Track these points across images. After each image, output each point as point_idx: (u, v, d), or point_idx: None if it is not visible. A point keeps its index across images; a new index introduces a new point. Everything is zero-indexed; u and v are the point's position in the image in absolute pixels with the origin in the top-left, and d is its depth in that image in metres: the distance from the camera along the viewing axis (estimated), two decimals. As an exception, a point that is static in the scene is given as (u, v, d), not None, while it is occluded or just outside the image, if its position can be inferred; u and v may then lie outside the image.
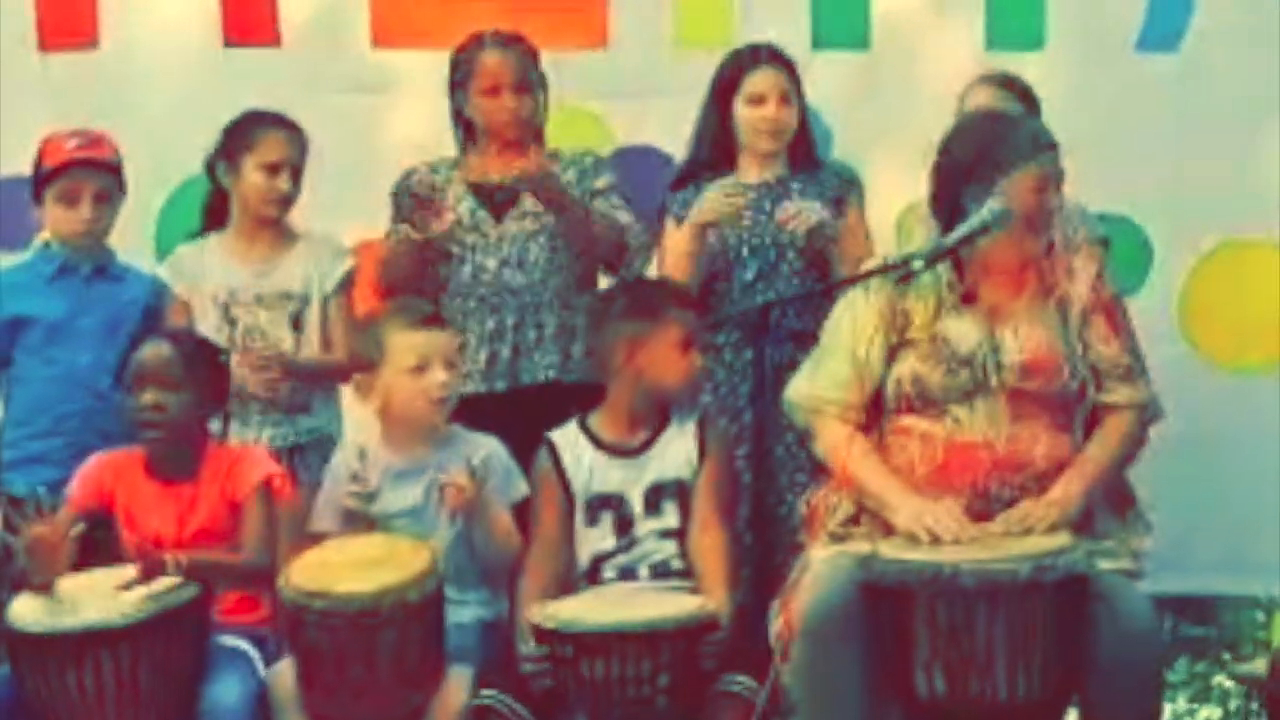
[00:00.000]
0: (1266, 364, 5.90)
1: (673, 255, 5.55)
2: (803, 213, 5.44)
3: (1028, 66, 5.78)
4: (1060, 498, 4.63)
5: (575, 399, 5.32)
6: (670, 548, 5.07)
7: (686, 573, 5.05)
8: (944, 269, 4.75)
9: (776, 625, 4.66)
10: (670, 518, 5.07)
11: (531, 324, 5.54)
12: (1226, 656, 6.67)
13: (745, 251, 5.55)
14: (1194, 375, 5.61)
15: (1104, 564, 4.56)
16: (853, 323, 4.79)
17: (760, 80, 5.54)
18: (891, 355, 4.74)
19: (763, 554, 5.01)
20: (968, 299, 4.76)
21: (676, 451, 5.10)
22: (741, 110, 5.57)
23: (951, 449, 4.68)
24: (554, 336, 5.55)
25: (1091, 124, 5.72)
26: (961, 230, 4.71)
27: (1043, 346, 4.72)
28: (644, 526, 5.08)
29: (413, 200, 5.58)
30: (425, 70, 5.84)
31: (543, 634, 4.78)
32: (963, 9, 5.99)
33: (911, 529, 4.55)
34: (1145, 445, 4.78)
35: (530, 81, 5.57)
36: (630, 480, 5.10)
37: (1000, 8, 5.99)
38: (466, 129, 5.65)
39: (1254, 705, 6.24)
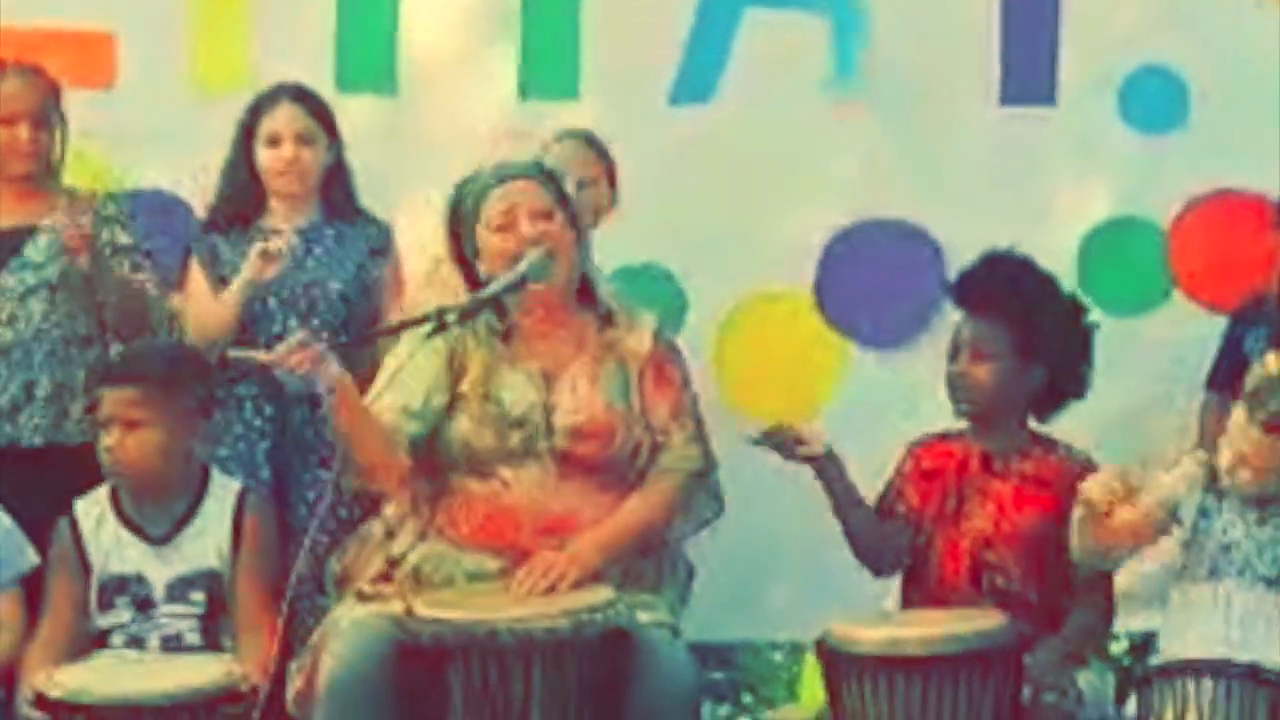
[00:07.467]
0: (789, 416, 5.79)
1: (201, 303, 5.35)
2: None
3: (562, 116, 5.75)
4: (576, 550, 4.53)
5: (73, 461, 5.11)
6: (189, 624, 4.84)
7: (205, 649, 4.80)
8: (493, 323, 4.63)
9: (296, 686, 4.54)
10: (197, 606, 4.83)
11: (20, 384, 5.26)
12: (748, 699, 6.78)
13: (274, 303, 5.35)
14: (723, 426, 5.52)
15: (644, 617, 4.50)
16: (414, 373, 4.57)
17: (275, 120, 5.38)
18: (450, 407, 4.58)
19: (288, 615, 4.72)
20: (522, 356, 4.64)
21: (207, 541, 4.85)
22: (260, 152, 5.39)
23: (495, 510, 4.57)
24: (48, 398, 5.29)
25: (625, 174, 5.66)
26: (498, 283, 4.61)
27: (598, 408, 4.63)
28: (165, 610, 4.84)
29: None
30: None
31: (46, 703, 4.51)
32: (496, 56, 5.90)
33: None
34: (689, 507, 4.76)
35: (49, 116, 5.33)
36: (154, 566, 4.84)
37: (535, 56, 5.91)
38: None
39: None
